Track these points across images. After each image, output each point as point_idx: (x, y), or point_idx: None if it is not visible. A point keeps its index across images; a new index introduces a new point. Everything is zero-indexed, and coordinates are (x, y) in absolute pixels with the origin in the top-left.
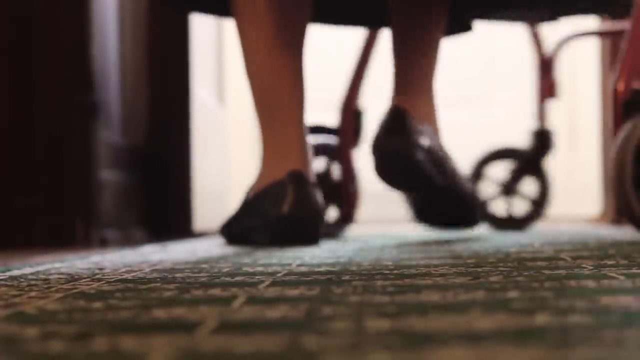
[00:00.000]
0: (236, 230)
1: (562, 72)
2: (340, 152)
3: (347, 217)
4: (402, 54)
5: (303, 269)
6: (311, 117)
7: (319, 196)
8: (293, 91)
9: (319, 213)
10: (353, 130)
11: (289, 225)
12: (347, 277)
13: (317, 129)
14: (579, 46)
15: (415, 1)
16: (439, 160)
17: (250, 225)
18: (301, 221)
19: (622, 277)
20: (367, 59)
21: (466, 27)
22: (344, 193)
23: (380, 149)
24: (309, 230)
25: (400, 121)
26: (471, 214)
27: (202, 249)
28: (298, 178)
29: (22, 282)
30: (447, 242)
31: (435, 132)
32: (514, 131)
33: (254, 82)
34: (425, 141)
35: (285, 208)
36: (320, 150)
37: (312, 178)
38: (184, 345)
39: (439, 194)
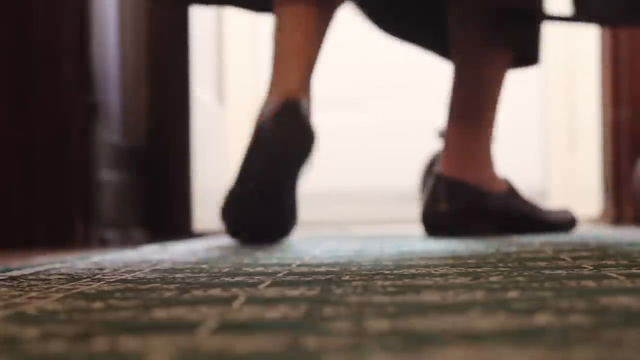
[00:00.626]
0: (235, 212)
1: (562, 72)
2: None
3: None
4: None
5: (303, 269)
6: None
7: (309, 119)
8: (303, 41)
9: (306, 131)
10: None
11: (274, 142)
12: (347, 277)
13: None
14: (579, 46)
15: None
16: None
17: (244, 191)
18: (287, 137)
19: (622, 277)
20: None
21: (533, 60)
22: None
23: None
24: (297, 145)
25: (444, 189)
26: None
27: (202, 249)
28: (285, 107)
29: (22, 282)
30: (447, 242)
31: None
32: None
33: (273, 37)
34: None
35: (270, 128)
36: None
37: (306, 105)
38: (184, 345)
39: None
